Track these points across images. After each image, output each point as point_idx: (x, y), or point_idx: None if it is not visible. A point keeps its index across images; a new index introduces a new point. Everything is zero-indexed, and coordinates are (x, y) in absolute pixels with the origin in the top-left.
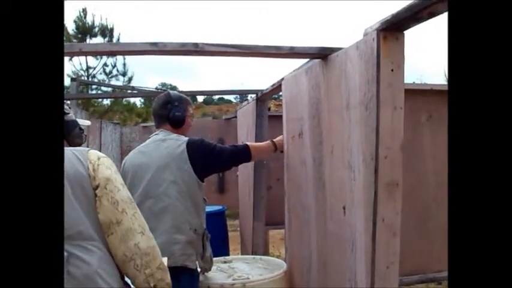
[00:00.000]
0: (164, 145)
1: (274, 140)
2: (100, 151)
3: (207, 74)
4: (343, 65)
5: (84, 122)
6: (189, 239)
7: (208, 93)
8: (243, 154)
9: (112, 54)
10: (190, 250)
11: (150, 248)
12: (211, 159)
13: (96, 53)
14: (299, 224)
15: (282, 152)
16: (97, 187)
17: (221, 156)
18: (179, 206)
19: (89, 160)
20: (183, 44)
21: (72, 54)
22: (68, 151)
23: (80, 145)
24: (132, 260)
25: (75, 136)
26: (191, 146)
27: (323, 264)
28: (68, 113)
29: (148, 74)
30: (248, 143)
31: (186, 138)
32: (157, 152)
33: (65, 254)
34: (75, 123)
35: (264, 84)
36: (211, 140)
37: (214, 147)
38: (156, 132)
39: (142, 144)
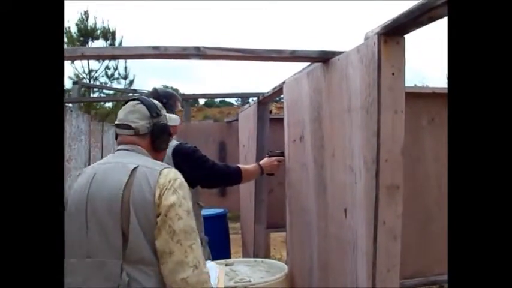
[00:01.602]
0: None
1: (260, 162)
2: (102, 153)
3: (208, 76)
4: (344, 68)
5: (175, 121)
6: None
7: (210, 96)
8: (234, 176)
9: (114, 58)
10: None
11: (200, 283)
12: (198, 172)
13: (98, 57)
14: (300, 227)
15: (268, 174)
16: (159, 215)
17: (210, 172)
18: None
19: (158, 184)
20: (185, 48)
21: (74, 58)
22: (143, 169)
23: (164, 150)
24: None
25: (162, 141)
26: (179, 152)
27: (324, 267)
28: (160, 115)
29: (149, 76)
30: (240, 166)
31: (175, 144)
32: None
33: (127, 278)
34: (165, 128)
35: (265, 87)
36: (213, 142)
37: (205, 161)
38: None
39: None
